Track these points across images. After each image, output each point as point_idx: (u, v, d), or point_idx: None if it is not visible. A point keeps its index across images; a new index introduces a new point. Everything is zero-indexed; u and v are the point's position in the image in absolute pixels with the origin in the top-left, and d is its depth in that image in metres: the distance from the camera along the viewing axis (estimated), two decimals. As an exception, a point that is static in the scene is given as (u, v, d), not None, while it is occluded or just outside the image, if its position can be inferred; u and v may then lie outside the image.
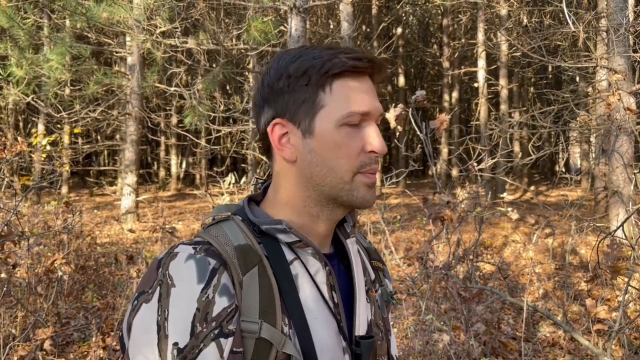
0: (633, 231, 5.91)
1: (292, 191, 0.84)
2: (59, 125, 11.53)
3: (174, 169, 20.01)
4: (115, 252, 6.76)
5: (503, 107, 14.32)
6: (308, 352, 0.77)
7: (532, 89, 21.34)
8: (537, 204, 11.33)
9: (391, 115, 2.75)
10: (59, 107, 9.91)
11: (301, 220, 0.85)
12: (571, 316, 4.50)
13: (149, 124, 11.35)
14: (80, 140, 13.81)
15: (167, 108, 14.22)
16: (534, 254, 6.55)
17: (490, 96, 16.07)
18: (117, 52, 11.10)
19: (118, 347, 3.72)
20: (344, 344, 0.83)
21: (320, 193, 0.83)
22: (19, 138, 4.46)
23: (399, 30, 19.57)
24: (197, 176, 21.32)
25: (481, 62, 14.69)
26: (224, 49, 7.00)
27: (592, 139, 10.50)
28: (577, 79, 14.45)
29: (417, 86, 24.74)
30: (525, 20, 13.14)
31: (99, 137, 17.64)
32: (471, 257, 3.70)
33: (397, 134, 3.03)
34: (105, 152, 23.72)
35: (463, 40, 18.05)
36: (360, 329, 0.85)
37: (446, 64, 18.04)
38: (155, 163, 23.16)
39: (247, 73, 11.00)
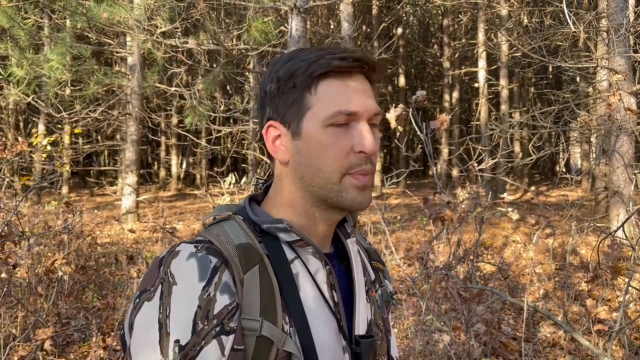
0: (633, 231, 5.90)
1: (290, 192, 0.85)
2: (59, 126, 11.53)
3: (174, 169, 20.02)
4: (116, 252, 6.77)
5: (503, 107, 14.32)
6: (308, 351, 0.78)
7: (532, 89, 21.34)
8: (537, 204, 11.33)
9: (392, 116, 2.75)
10: (60, 107, 9.91)
11: (301, 221, 0.85)
12: (571, 316, 4.49)
13: (150, 124, 11.35)
14: (80, 141, 13.82)
15: (168, 108, 14.22)
16: (535, 254, 6.55)
17: (490, 96, 16.07)
18: (117, 52, 11.10)
19: (118, 347, 3.72)
20: (344, 343, 0.83)
21: (312, 194, 0.83)
22: (19, 138, 4.46)
23: (400, 30, 19.56)
24: (198, 176, 21.33)
25: (482, 62, 14.69)
26: (225, 49, 7.00)
27: (593, 139, 10.50)
28: (578, 79, 14.46)
29: (418, 86, 24.74)
30: (525, 21, 13.14)
31: (99, 137, 17.66)
32: (471, 257, 3.70)
33: (398, 134, 3.03)
34: (106, 152, 23.74)
35: (463, 40, 18.04)
36: (360, 328, 0.86)
37: (447, 64, 18.04)
38: (156, 163, 23.17)
39: (247, 73, 11.00)
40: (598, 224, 7.30)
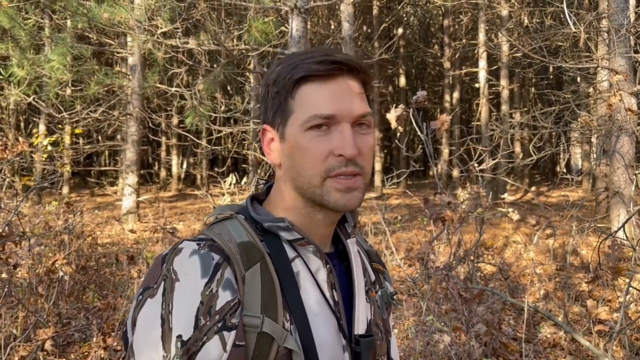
0: (634, 232, 5.90)
1: (286, 193, 0.86)
2: (60, 126, 11.53)
3: (174, 170, 20.02)
4: (116, 253, 6.77)
5: (504, 107, 14.31)
6: (308, 348, 0.78)
7: (533, 89, 21.33)
8: (538, 205, 11.33)
9: (392, 116, 2.75)
10: (60, 107, 9.91)
11: (300, 220, 0.86)
12: (572, 317, 4.49)
13: (150, 125, 11.36)
14: (81, 141, 13.81)
15: (168, 108, 14.23)
16: (535, 255, 6.55)
17: (491, 97, 16.06)
18: (118, 53, 11.11)
19: (119, 348, 3.72)
20: (344, 341, 0.83)
21: (303, 196, 0.84)
22: (20, 138, 4.47)
23: (400, 30, 19.56)
24: (198, 176, 21.33)
25: (482, 63, 14.69)
26: (225, 50, 7.00)
27: (593, 139, 10.51)
28: (578, 79, 14.46)
29: (418, 87, 24.74)
30: (526, 21, 13.15)
31: (100, 138, 17.65)
32: (472, 257, 3.70)
33: (398, 134, 3.03)
34: (106, 153, 23.73)
35: (464, 40, 18.03)
36: (360, 327, 0.86)
37: (447, 65, 18.03)
38: (156, 163, 23.18)
39: (248, 74, 11.00)
40: (599, 225, 7.30)
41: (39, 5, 10.62)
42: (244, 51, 7.88)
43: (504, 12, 13.64)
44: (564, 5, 6.46)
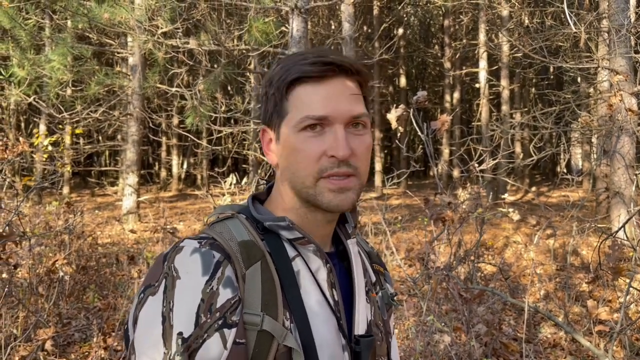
0: (635, 232, 5.90)
1: (285, 193, 0.87)
2: (60, 126, 11.53)
3: (175, 170, 20.02)
4: (117, 253, 6.77)
5: (504, 107, 14.30)
6: (308, 347, 0.78)
7: (533, 89, 21.33)
8: (538, 205, 11.33)
9: (392, 116, 2.75)
10: (61, 107, 9.92)
11: (299, 220, 0.86)
12: (572, 317, 4.49)
13: (151, 125, 11.36)
14: (81, 141, 13.81)
15: (169, 108, 14.23)
16: (535, 255, 6.55)
17: (491, 97, 16.06)
18: (118, 53, 11.11)
19: (119, 348, 3.72)
20: (344, 341, 0.84)
21: (299, 196, 0.85)
22: (20, 138, 4.47)
23: (400, 30, 19.56)
24: (199, 177, 21.33)
25: (482, 63, 14.69)
26: (226, 50, 7.00)
27: (594, 139, 10.50)
28: (579, 79, 14.46)
29: (419, 87, 24.74)
30: (526, 21, 13.14)
31: (100, 138, 17.65)
32: (472, 258, 3.70)
33: (399, 134, 3.03)
34: (107, 153, 23.73)
35: (464, 41, 18.03)
36: (360, 327, 0.86)
37: (447, 65, 18.03)
38: (157, 163, 23.18)
39: (248, 74, 11.00)
40: (599, 225, 7.30)
41: (39, 5, 10.62)
42: (244, 51, 7.89)
43: (505, 13, 13.64)
44: (565, 6, 6.46)
